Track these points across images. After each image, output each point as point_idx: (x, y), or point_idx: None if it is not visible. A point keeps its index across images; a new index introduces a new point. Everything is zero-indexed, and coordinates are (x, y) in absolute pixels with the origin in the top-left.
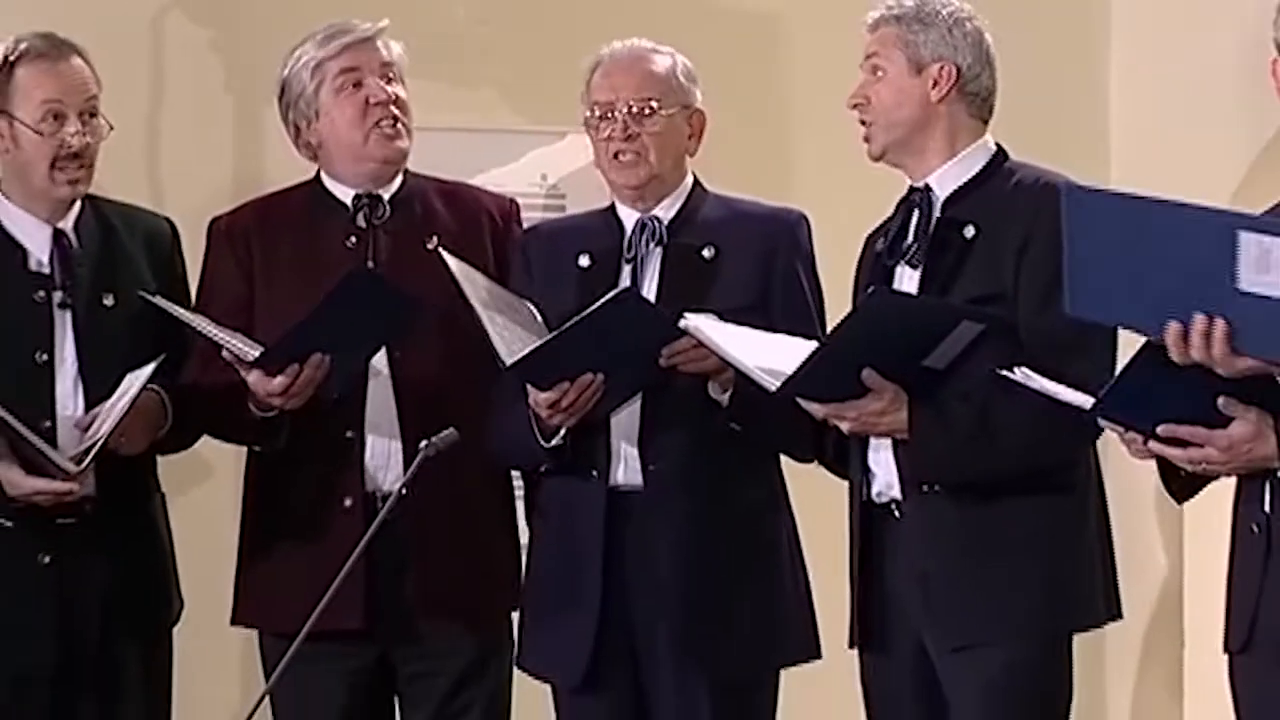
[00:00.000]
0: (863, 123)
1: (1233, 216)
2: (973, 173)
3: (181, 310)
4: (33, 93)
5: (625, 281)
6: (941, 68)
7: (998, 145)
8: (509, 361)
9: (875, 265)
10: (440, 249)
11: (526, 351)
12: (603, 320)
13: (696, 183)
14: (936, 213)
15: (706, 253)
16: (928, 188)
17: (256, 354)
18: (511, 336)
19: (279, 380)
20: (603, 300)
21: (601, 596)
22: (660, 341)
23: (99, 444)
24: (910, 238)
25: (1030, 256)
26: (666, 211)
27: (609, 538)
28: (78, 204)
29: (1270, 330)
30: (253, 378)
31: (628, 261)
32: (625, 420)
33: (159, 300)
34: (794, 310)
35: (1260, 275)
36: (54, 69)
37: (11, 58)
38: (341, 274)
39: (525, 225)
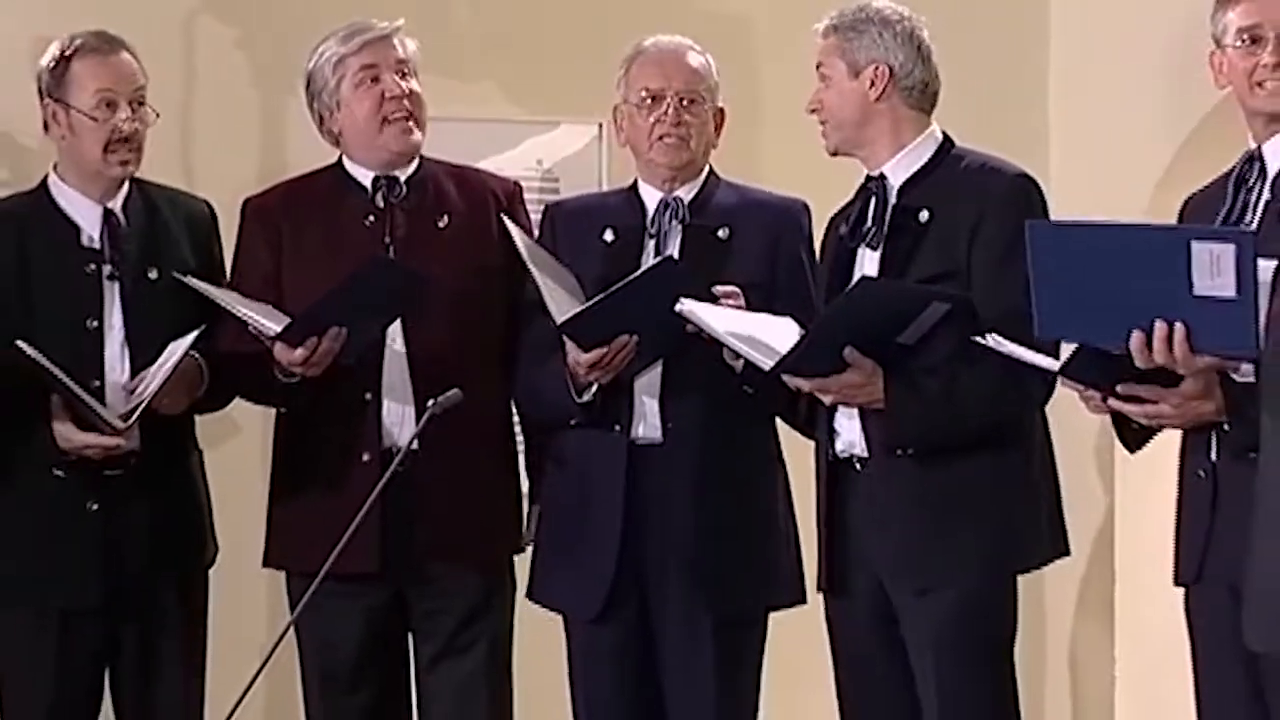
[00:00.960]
0: (822, 125)
1: (1184, 230)
2: (923, 161)
3: (212, 289)
4: (88, 83)
5: (649, 255)
6: (876, 69)
7: (944, 134)
8: (559, 319)
9: (839, 246)
10: (503, 217)
11: (577, 311)
12: (646, 285)
13: (712, 170)
14: (892, 199)
15: (722, 233)
16: (883, 176)
17: (278, 329)
18: (560, 298)
19: (299, 351)
20: (648, 266)
21: (621, 540)
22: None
23: (144, 404)
24: (869, 222)
25: (981, 236)
26: (687, 193)
27: (630, 486)
28: (126, 186)
29: (1224, 328)
30: (276, 349)
31: (651, 237)
32: (647, 381)
33: (191, 281)
34: (796, 288)
35: (1212, 280)
36: (106, 61)
37: (67, 52)
38: (359, 259)
39: (525, 212)
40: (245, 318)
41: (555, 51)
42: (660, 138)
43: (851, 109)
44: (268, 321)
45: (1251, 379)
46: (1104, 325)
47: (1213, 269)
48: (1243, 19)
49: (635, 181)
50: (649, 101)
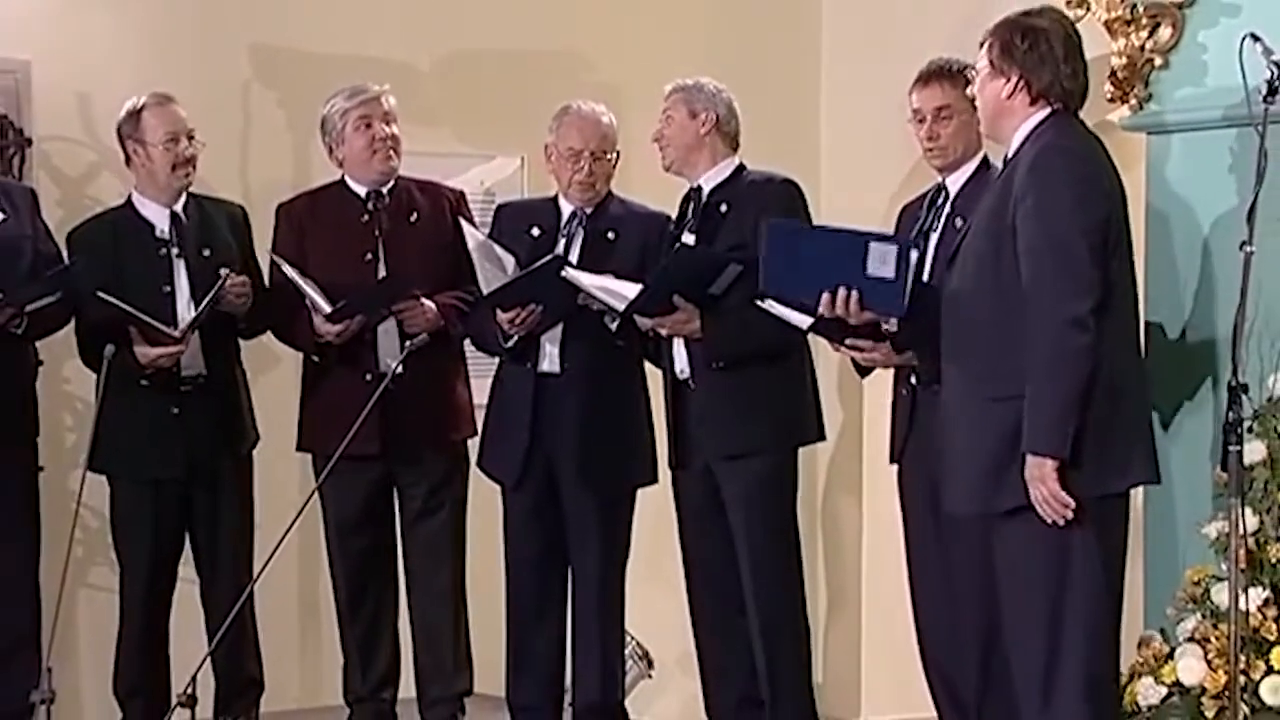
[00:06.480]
0: (662, 149)
1: (867, 235)
2: (725, 176)
3: (290, 270)
4: (159, 128)
5: (561, 249)
6: (707, 114)
7: (740, 161)
8: (485, 292)
9: (670, 236)
10: (459, 220)
11: (492, 289)
12: (538, 275)
13: (610, 190)
14: (705, 200)
15: (610, 235)
16: (700, 187)
17: (328, 310)
18: (490, 276)
19: (336, 328)
20: (540, 262)
21: (529, 435)
22: (575, 291)
23: (193, 320)
24: (690, 215)
25: (762, 223)
26: (589, 207)
27: (536, 402)
28: (184, 196)
29: (883, 297)
30: (317, 321)
31: (563, 236)
32: (552, 334)
33: (281, 261)
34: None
35: (880, 266)
36: (167, 111)
37: (139, 106)
38: (356, 246)
39: (469, 212)
40: (305, 292)
41: (491, 107)
42: (578, 183)
43: (688, 137)
44: (321, 301)
45: (895, 329)
46: (806, 288)
47: (880, 259)
48: (914, 103)
49: (556, 194)
50: (570, 156)
